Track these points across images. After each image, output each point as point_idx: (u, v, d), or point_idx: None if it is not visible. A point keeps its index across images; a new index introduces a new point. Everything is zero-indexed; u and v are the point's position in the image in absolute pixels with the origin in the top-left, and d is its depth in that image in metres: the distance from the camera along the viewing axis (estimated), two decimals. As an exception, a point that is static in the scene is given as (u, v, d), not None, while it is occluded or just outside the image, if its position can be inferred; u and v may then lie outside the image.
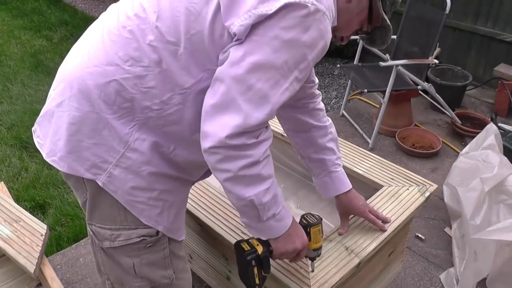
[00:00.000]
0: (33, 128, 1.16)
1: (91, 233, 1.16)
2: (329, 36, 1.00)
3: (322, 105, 1.41)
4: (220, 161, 0.97)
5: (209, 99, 0.97)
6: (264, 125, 0.98)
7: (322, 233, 1.24)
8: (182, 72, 0.99)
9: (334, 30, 1.12)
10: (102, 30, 1.06)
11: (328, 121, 1.41)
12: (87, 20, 5.45)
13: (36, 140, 1.14)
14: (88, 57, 1.05)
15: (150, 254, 1.15)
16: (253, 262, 1.12)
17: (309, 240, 1.20)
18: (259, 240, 1.15)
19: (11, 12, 5.68)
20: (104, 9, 4.63)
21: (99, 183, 1.05)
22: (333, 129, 1.42)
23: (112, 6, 1.12)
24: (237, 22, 0.93)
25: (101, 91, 1.01)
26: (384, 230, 1.40)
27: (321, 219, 1.24)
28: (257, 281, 1.14)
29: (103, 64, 1.01)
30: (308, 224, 1.21)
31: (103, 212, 1.11)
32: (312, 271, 1.27)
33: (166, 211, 1.12)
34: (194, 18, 0.97)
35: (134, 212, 1.08)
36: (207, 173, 1.27)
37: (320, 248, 1.25)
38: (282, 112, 1.39)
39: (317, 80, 1.41)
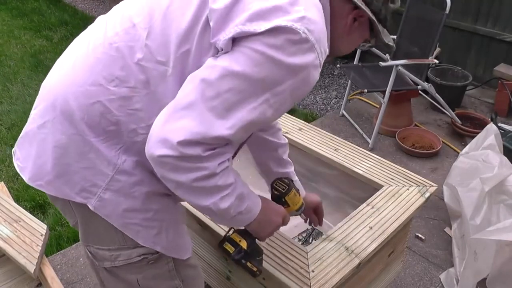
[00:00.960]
0: (12, 150, 1.12)
1: (89, 254, 1.14)
2: (314, 71, 0.93)
3: (279, 126, 1.46)
4: (170, 172, 0.89)
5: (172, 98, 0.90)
6: (223, 141, 0.90)
7: (298, 192, 1.27)
8: (170, 94, 0.92)
9: (339, 52, 1.10)
10: (88, 45, 1.01)
11: (285, 139, 1.48)
12: (87, 20, 5.45)
13: (16, 163, 1.10)
14: (72, 74, 1.00)
15: (154, 269, 1.13)
16: (243, 261, 1.14)
17: (288, 206, 1.23)
18: (239, 232, 1.16)
19: (11, 12, 5.68)
20: (104, 9, 4.64)
21: (90, 207, 1.01)
22: (283, 149, 1.49)
23: (100, 18, 1.07)
24: (222, 37, 0.89)
25: (84, 113, 0.96)
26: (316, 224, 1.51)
27: (291, 181, 1.25)
28: (254, 270, 1.16)
29: (87, 84, 0.97)
30: (281, 194, 1.22)
31: (99, 234, 1.08)
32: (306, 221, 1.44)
33: (165, 231, 1.08)
34: (185, 36, 0.92)
35: (130, 234, 1.04)
36: None
37: (302, 206, 1.28)
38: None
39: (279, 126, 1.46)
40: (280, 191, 1.23)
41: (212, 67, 0.88)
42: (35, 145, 1.04)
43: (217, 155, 0.90)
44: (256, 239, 1.17)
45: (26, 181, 1.05)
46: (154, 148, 0.87)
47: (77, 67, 1.00)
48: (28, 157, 1.06)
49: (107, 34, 0.99)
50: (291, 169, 1.50)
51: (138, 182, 1.01)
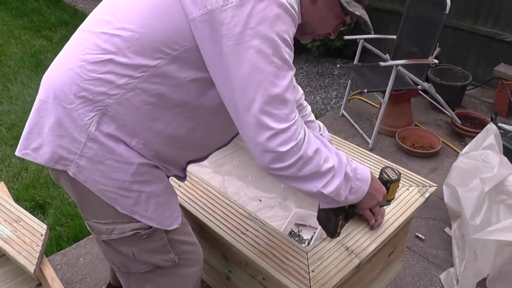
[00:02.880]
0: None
1: (88, 228, 1.20)
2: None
3: (312, 116, 1.45)
4: (287, 174, 1.02)
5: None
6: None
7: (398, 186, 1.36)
8: (136, 56, 0.99)
9: (313, 30, 1.13)
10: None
11: (321, 128, 1.46)
12: (87, 20, 5.46)
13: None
14: (58, 59, 1.11)
15: (148, 243, 1.17)
16: (341, 217, 1.22)
17: (387, 192, 1.29)
18: None
19: (11, 12, 5.68)
20: (104, 9, 4.45)
21: (70, 174, 1.06)
22: (326, 133, 1.48)
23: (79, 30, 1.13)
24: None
25: (60, 82, 1.04)
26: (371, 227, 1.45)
27: (400, 174, 1.32)
28: (338, 230, 1.26)
29: (65, 57, 1.08)
30: (389, 180, 1.29)
31: (94, 208, 1.12)
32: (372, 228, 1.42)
33: (144, 202, 1.11)
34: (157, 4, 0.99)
35: (108, 200, 1.08)
36: (184, 177, 1.29)
37: (393, 198, 1.36)
38: None
39: (301, 91, 1.43)
40: (390, 177, 1.30)
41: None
42: (28, 120, 1.12)
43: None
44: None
45: (16, 153, 1.12)
46: (262, 161, 0.99)
47: (63, 52, 1.11)
48: (24, 134, 1.13)
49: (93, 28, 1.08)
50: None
51: (110, 152, 1.05)
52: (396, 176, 1.30)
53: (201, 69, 1.01)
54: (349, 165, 1.10)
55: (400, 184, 1.61)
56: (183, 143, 1.13)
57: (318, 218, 1.30)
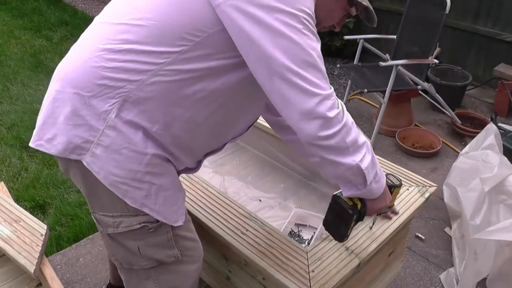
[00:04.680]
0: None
1: (95, 220, 1.20)
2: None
3: None
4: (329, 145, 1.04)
5: None
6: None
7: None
8: (158, 44, 1.00)
9: (319, 22, 1.13)
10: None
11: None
12: (87, 20, 5.45)
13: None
14: (70, 53, 1.13)
15: (154, 237, 1.17)
16: (354, 217, 1.21)
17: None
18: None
19: (11, 12, 5.68)
20: (104, 9, 4.42)
21: (84, 163, 1.06)
22: None
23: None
24: None
25: (78, 71, 1.05)
26: (389, 218, 1.46)
27: (401, 180, 1.35)
28: (349, 233, 1.25)
29: (82, 47, 1.09)
30: (393, 185, 1.31)
31: (103, 200, 1.12)
32: (371, 228, 1.42)
33: (154, 195, 1.11)
34: None
35: (118, 193, 1.08)
36: (196, 168, 1.29)
37: (392, 205, 1.40)
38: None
39: None
40: (393, 183, 1.31)
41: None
42: (42, 111, 1.12)
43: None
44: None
45: (30, 144, 1.12)
46: (309, 130, 1.02)
47: (79, 43, 1.12)
48: (37, 123, 1.13)
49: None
50: None
51: (127, 140, 1.05)
52: (399, 182, 1.32)
53: (223, 53, 1.03)
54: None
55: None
56: (202, 129, 1.14)
57: (326, 223, 1.29)
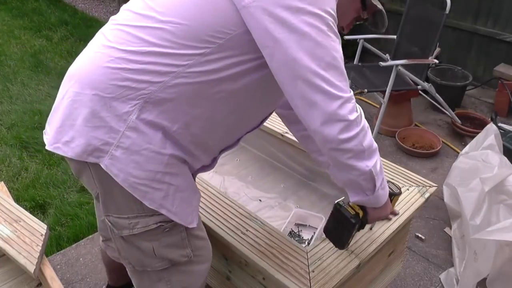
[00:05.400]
0: (44, 131, 1.18)
1: (109, 224, 1.18)
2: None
3: None
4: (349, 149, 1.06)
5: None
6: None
7: None
8: (181, 46, 1.00)
9: None
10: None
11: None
12: (87, 20, 5.45)
13: (45, 138, 1.16)
14: (87, 54, 1.11)
15: (168, 237, 1.18)
16: (356, 226, 1.22)
17: None
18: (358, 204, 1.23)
19: (11, 12, 5.68)
20: (104, 9, 4.65)
21: (102, 166, 1.05)
22: None
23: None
24: None
25: (98, 73, 1.04)
26: (388, 219, 1.46)
27: (400, 188, 1.36)
28: (349, 241, 1.25)
29: (101, 49, 1.07)
30: (393, 193, 1.31)
31: (118, 202, 1.12)
32: (371, 229, 1.42)
33: (172, 195, 1.11)
34: None
35: (137, 195, 1.07)
36: (211, 165, 1.29)
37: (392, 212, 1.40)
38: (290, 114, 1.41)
39: None
40: (393, 191, 1.32)
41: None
42: (59, 113, 1.10)
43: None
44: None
45: (47, 147, 1.11)
46: (331, 132, 1.03)
47: (95, 45, 1.11)
48: (52, 125, 1.12)
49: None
50: None
51: (148, 141, 1.05)
52: (398, 190, 1.33)
53: (246, 55, 1.03)
54: None
55: (400, 184, 1.61)
56: (220, 126, 1.14)
57: (327, 230, 1.29)
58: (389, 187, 1.30)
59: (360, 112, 1.07)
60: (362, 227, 1.26)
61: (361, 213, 1.22)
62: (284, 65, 0.99)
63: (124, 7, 1.13)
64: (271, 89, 1.11)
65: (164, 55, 1.01)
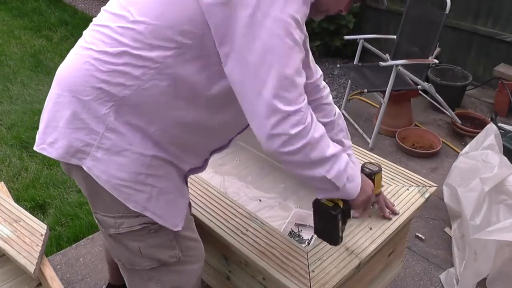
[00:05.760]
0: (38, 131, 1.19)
1: (96, 221, 1.20)
2: None
3: (329, 99, 1.41)
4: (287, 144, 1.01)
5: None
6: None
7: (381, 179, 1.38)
8: (151, 47, 0.99)
9: (326, 8, 1.11)
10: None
11: (335, 114, 1.41)
12: (87, 20, 5.45)
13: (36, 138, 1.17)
14: (69, 56, 1.13)
15: (155, 238, 1.18)
16: (339, 217, 1.17)
17: (373, 186, 1.28)
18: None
19: (11, 12, 5.68)
20: (104, 9, 4.44)
21: (85, 168, 1.06)
22: (341, 120, 1.43)
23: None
24: None
25: (76, 75, 1.05)
26: (389, 219, 1.45)
27: (380, 166, 1.35)
28: (340, 234, 1.21)
29: (80, 50, 1.09)
30: (372, 172, 1.31)
31: (105, 202, 1.12)
32: (370, 229, 1.40)
33: (155, 198, 1.11)
34: None
35: (120, 197, 1.08)
36: (203, 166, 1.28)
37: (380, 193, 1.40)
38: None
39: (320, 72, 1.40)
40: (372, 170, 1.32)
41: None
42: (45, 115, 1.12)
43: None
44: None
45: (34, 148, 1.13)
46: (271, 145, 0.99)
47: (76, 46, 1.12)
48: (40, 126, 1.14)
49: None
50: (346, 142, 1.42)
51: (128, 142, 1.05)
52: (377, 168, 1.33)
53: (217, 56, 1.01)
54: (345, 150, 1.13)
55: (400, 184, 1.61)
56: (203, 129, 1.14)
57: (316, 230, 1.26)
58: (367, 168, 1.32)
59: (311, 122, 1.01)
60: (347, 216, 1.20)
61: (341, 203, 1.17)
62: (235, 66, 0.97)
63: (103, 7, 1.13)
64: None
65: (136, 57, 1.00)
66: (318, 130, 1.04)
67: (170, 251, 1.22)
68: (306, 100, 1.01)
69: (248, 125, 1.24)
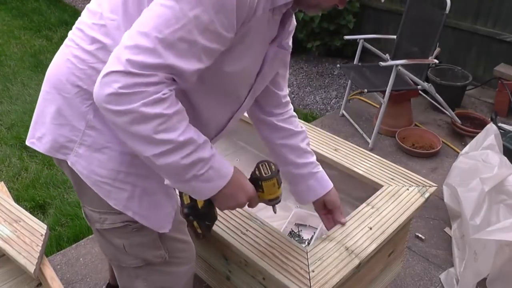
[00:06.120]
0: None
1: (84, 215, 1.22)
2: None
3: (294, 113, 1.44)
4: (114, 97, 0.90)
5: None
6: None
7: (280, 184, 1.19)
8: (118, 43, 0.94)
9: (317, 2, 1.06)
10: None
11: (302, 127, 1.43)
12: (87, 20, 5.45)
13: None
14: (56, 53, 1.15)
15: (138, 237, 1.18)
16: (191, 217, 1.08)
17: (262, 192, 1.17)
18: None
19: (11, 12, 5.68)
20: (104, 9, 4.43)
21: (69, 163, 1.08)
22: (303, 135, 1.43)
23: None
24: None
25: (58, 73, 1.08)
26: (341, 223, 1.42)
27: (278, 171, 1.17)
28: (199, 231, 1.11)
29: (63, 48, 1.11)
30: (259, 178, 1.16)
31: (91, 196, 1.13)
32: (275, 213, 1.32)
33: (138, 197, 1.11)
34: None
35: (101, 194, 1.09)
36: None
37: (276, 198, 1.22)
38: (266, 121, 1.39)
39: (285, 91, 1.39)
40: (261, 175, 1.16)
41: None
42: (36, 110, 1.15)
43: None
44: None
45: (26, 142, 1.16)
46: (100, 92, 0.88)
47: (62, 45, 1.14)
48: (32, 122, 1.16)
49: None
50: (311, 159, 1.41)
51: (108, 140, 1.06)
52: (269, 173, 1.16)
53: None
54: (206, 149, 0.98)
55: (400, 184, 1.61)
56: None
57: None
58: (260, 170, 1.16)
59: (156, 96, 0.88)
60: (207, 217, 1.10)
61: (200, 203, 1.08)
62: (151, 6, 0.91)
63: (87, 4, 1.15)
64: (215, 86, 1.05)
65: (109, 53, 0.95)
66: (159, 109, 0.89)
67: (155, 251, 1.22)
68: (166, 80, 0.89)
69: (226, 126, 1.21)
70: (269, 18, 1.03)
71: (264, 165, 1.18)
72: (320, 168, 1.44)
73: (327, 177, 1.44)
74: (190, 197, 1.09)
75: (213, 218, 1.15)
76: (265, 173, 1.17)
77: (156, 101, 0.88)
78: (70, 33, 1.12)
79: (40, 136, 1.12)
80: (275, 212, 1.31)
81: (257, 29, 1.01)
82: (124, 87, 0.86)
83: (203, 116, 1.12)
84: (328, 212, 1.45)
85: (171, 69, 0.89)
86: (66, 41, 1.13)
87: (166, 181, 1.04)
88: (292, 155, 1.40)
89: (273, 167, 1.18)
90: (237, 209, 1.50)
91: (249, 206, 1.18)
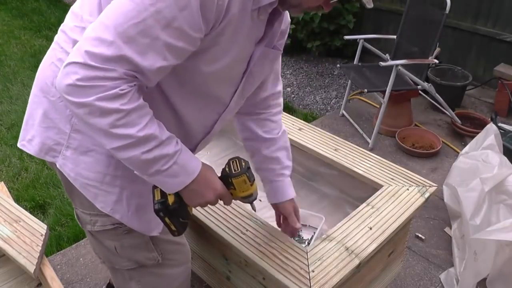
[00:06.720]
0: None
1: (76, 216, 1.23)
2: None
3: (277, 118, 1.40)
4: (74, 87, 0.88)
5: None
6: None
7: (252, 180, 1.16)
8: None
9: (298, 3, 1.01)
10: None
11: (279, 133, 1.40)
12: (87, 20, 5.45)
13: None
14: (42, 61, 1.15)
15: (129, 239, 1.18)
16: (161, 213, 1.05)
17: (234, 189, 1.15)
18: None
19: (11, 12, 5.68)
20: (104, 9, 4.44)
21: (57, 165, 1.09)
22: (284, 140, 1.41)
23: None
24: None
25: (44, 76, 1.09)
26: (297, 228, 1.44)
27: (248, 167, 1.14)
28: (173, 228, 1.08)
29: (49, 51, 1.11)
30: (229, 175, 1.13)
31: (81, 198, 1.13)
32: (254, 211, 1.30)
33: (126, 200, 1.10)
34: None
35: (89, 196, 1.09)
36: None
37: (250, 195, 1.19)
38: (237, 116, 1.39)
39: (276, 91, 1.37)
40: (230, 171, 1.13)
41: None
42: (26, 113, 1.16)
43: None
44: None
45: (17, 145, 1.17)
46: (62, 82, 0.86)
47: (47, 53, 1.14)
48: (23, 125, 1.17)
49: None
50: (274, 166, 1.40)
51: (94, 143, 1.06)
52: (239, 170, 1.13)
53: None
54: (170, 145, 0.97)
55: (400, 184, 1.61)
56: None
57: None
58: (230, 167, 1.14)
59: (114, 91, 0.86)
60: (179, 213, 1.07)
61: (171, 199, 1.04)
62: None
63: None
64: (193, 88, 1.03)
65: None
66: (117, 104, 0.88)
67: (147, 253, 1.21)
68: (126, 76, 0.87)
69: (211, 129, 1.19)
70: (254, 18, 1.00)
71: (234, 161, 1.16)
72: (282, 178, 1.41)
73: (287, 187, 1.42)
74: (161, 193, 1.06)
75: (186, 215, 1.10)
76: (235, 170, 1.14)
77: (113, 96, 0.86)
78: (55, 36, 1.12)
79: (30, 138, 1.12)
80: (254, 210, 1.28)
81: (236, 30, 0.97)
82: (82, 80, 0.84)
83: (185, 118, 1.10)
84: (284, 217, 1.47)
85: (130, 64, 0.86)
86: (52, 44, 1.13)
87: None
88: (255, 157, 1.42)
89: (243, 163, 1.15)
90: (237, 209, 1.50)
91: (224, 203, 1.16)
